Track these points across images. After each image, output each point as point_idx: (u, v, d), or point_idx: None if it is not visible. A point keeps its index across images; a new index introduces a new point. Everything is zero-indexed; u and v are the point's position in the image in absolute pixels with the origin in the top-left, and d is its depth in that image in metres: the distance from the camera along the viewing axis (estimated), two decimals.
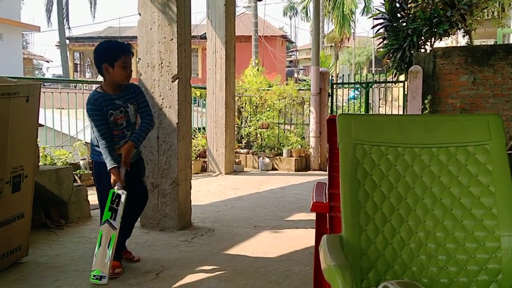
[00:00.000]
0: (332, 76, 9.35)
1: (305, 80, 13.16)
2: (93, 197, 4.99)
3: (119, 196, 3.12)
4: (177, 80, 4.20)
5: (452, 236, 1.59)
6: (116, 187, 3.13)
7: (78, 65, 31.47)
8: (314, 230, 2.74)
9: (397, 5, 8.39)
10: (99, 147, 3.18)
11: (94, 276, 3.05)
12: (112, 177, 3.14)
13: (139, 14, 4.24)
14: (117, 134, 3.21)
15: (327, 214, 1.96)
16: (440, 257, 1.57)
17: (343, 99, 10.20)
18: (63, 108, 7.06)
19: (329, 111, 8.57)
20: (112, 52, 3.16)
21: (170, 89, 4.21)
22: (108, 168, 3.13)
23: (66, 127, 6.97)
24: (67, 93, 7.11)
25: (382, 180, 1.62)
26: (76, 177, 5.77)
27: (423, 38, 8.17)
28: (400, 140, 1.66)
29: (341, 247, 1.46)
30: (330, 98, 8.60)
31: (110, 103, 3.17)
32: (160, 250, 3.75)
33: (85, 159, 6.69)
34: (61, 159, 6.18)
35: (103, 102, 3.14)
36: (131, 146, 3.20)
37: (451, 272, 1.56)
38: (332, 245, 1.40)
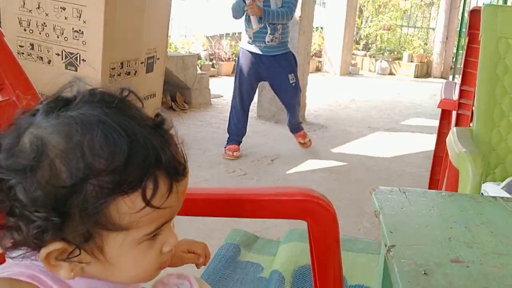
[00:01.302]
0: None
1: None
2: (213, 86, 5.27)
3: None
4: None
5: None
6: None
7: None
8: (431, 136, 2.69)
9: None
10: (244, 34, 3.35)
11: None
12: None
13: None
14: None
15: (454, 112, 1.92)
16: None
17: (477, 3, 9.30)
18: None
19: (459, 15, 7.91)
20: None
21: None
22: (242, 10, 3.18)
23: (187, 19, 7.20)
24: None
25: None
26: (197, 67, 6.06)
27: None
28: None
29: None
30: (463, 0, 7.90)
31: None
32: (275, 140, 3.92)
33: (206, 50, 6.95)
34: (183, 48, 6.48)
35: None
36: (260, 10, 3.17)
37: None
38: (462, 135, 1.39)
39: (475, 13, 1.69)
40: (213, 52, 6.97)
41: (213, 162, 3.32)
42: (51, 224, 0.52)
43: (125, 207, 0.54)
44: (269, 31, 3.27)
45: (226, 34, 7.37)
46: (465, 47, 1.77)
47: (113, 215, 0.54)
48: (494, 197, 0.95)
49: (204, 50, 6.96)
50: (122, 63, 3.18)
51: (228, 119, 3.58)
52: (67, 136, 0.53)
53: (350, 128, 4.48)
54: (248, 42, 3.34)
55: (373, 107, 5.48)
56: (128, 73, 3.25)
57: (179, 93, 4.79)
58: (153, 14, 3.31)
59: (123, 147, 0.53)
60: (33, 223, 0.53)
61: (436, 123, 3.40)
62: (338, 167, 3.39)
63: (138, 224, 0.55)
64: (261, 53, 3.33)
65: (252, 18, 3.21)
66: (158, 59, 3.53)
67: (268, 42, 3.30)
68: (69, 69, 3.09)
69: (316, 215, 0.87)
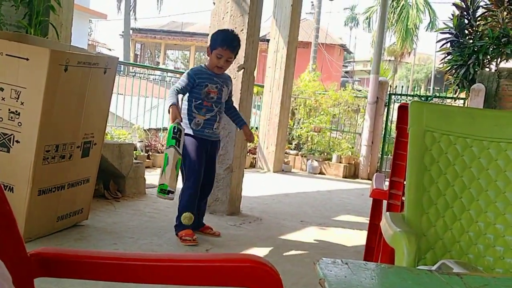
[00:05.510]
0: (390, 87, 9.26)
1: (360, 90, 13.10)
2: (148, 176, 5.21)
3: (180, 130, 3.27)
4: (242, 70, 4.33)
5: None
6: (176, 121, 3.27)
7: (138, 56, 32.37)
8: (361, 232, 2.76)
9: (465, 21, 8.26)
10: (188, 121, 3.47)
11: (161, 190, 3.19)
12: (171, 114, 3.28)
13: (213, 3, 4.42)
14: (206, 105, 3.48)
15: (385, 201, 2.02)
16: (498, 248, 1.60)
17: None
18: (120, 94, 7.34)
19: (383, 120, 8.52)
20: (215, 40, 3.49)
21: (235, 78, 4.34)
22: (168, 106, 3.30)
23: (123, 112, 7.25)
24: (127, 77, 7.41)
25: (448, 168, 1.67)
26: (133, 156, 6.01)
27: (489, 57, 8.00)
28: (470, 131, 1.70)
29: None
30: (386, 108, 8.55)
31: (210, 78, 3.48)
32: None
33: (142, 141, 6.95)
34: (120, 138, 6.45)
35: (203, 75, 3.47)
36: (248, 127, 3.72)
37: (507, 263, 1.59)
38: (395, 219, 1.46)
39: (402, 109, 1.85)
40: (149, 144, 6.98)
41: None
42: None
43: None
44: (217, 119, 3.54)
45: (164, 128, 7.47)
46: (394, 140, 1.92)
47: None
48: (430, 270, 1.00)
49: (140, 141, 6.96)
50: (57, 146, 3.12)
51: (181, 205, 3.49)
52: None
53: (284, 221, 4.53)
54: (196, 129, 3.47)
55: (305, 202, 5.61)
56: (63, 157, 3.18)
57: (113, 181, 4.69)
58: (93, 98, 3.33)
59: None
60: None
61: (364, 220, 3.46)
62: (273, 258, 3.35)
63: None
64: (209, 138, 3.53)
65: None
66: (95, 144, 3.49)
67: (215, 128, 3.55)
68: (1, 150, 2.99)
69: (261, 281, 0.88)
